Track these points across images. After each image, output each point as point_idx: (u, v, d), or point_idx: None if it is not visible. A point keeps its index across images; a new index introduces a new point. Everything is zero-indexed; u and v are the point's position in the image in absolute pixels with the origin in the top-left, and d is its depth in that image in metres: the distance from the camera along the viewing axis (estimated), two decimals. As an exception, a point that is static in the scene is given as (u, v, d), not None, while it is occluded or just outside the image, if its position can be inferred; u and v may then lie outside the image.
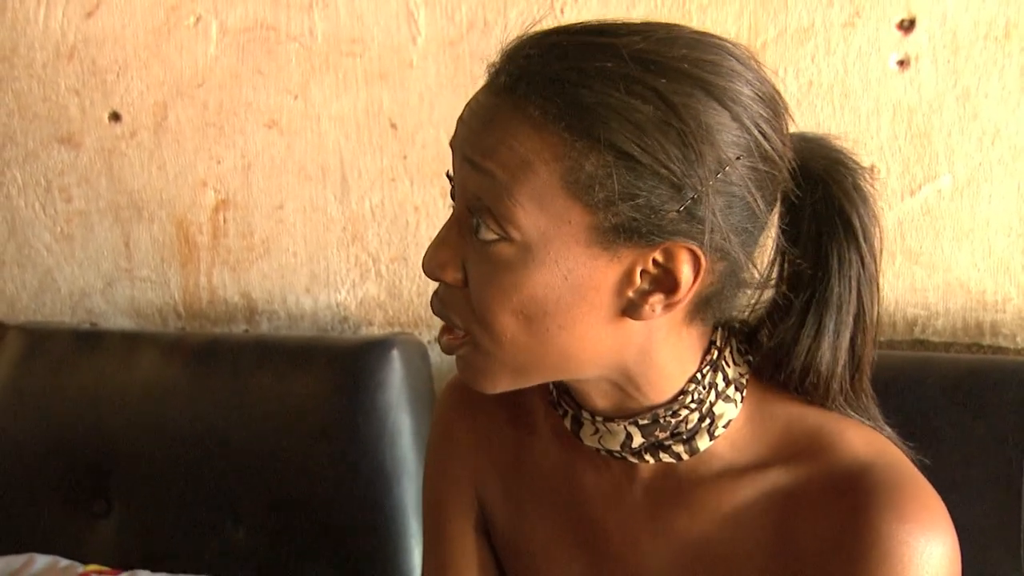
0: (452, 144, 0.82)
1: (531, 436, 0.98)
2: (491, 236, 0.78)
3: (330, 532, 1.66)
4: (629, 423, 0.86)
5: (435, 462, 1.06)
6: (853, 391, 0.88)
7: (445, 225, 0.83)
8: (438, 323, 1.92)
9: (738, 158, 0.77)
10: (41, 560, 1.76)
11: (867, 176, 0.86)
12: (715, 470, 0.87)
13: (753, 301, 0.89)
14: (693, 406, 0.85)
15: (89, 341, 1.92)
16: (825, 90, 1.52)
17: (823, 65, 1.52)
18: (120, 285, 2.05)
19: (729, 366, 0.87)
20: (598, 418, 0.88)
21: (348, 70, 1.80)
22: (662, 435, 0.86)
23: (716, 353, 0.86)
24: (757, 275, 0.86)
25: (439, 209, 1.78)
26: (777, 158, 0.80)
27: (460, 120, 0.81)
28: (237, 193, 1.92)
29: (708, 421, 0.86)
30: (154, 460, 1.78)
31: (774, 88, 0.81)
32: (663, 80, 0.74)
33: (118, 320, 2.07)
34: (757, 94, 0.78)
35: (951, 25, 1.46)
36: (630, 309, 0.80)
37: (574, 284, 0.78)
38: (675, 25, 0.80)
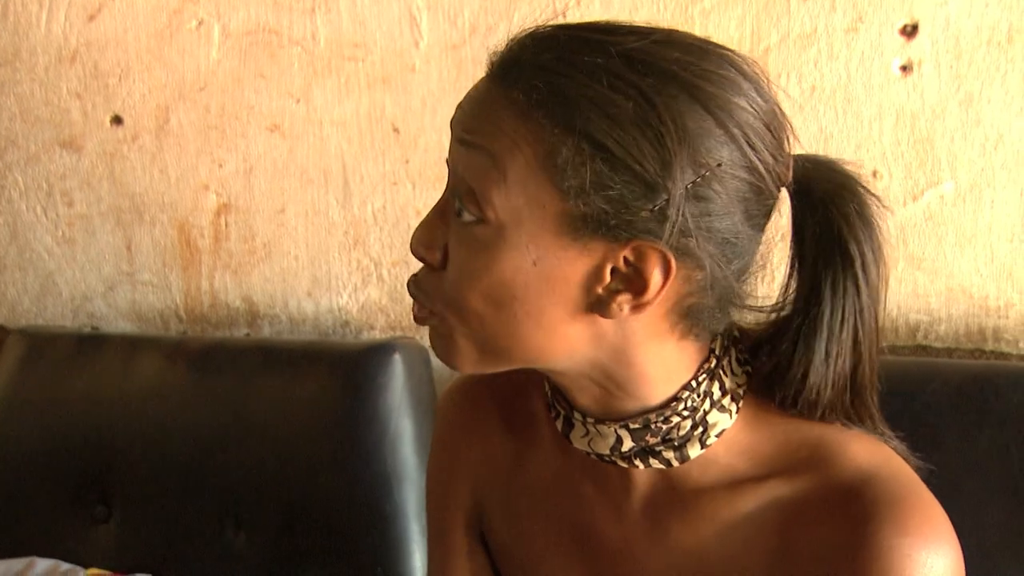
0: (451, 127, 0.84)
1: (531, 444, 0.98)
2: (470, 218, 0.79)
3: (331, 536, 1.66)
4: (620, 426, 0.85)
5: (436, 467, 1.06)
6: (856, 413, 0.87)
7: (433, 207, 0.85)
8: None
9: (719, 165, 0.76)
10: (42, 564, 1.76)
11: (876, 203, 0.84)
12: (713, 480, 0.87)
13: (759, 316, 0.88)
14: (686, 413, 0.85)
15: (90, 345, 1.92)
16: (828, 95, 1.52)
17: (826, 70, 1.52)
18: (121, 289, 2.05)
19: (727, 376, 0.86)
20: (589, 419, 0.87)
21: (350, 74, 1.80)
22: (652, 440, 0.85)
23: (715, 362, 0.85)
24: (759, 292, 0.86)
25: (441, 213, 1.77)
26: (765, 172, 0.78)
27: (459, 104, 0.84)
28: (239, 197, 1.92)
29: (700, 430, 0.85)
30: (155, 464, 1.78)
31: (776, 105, 0.80)
32: (648, 79, 0.75)
33: (119, 324, 2.07)
34: (751, 106, 0.78)
35: (954, 30, 1.46)
36: (598, 306, 0.79)
37: (543, 271, 0.78)
38: (680, 31, 0.80)
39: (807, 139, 1.26)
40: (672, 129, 0.74)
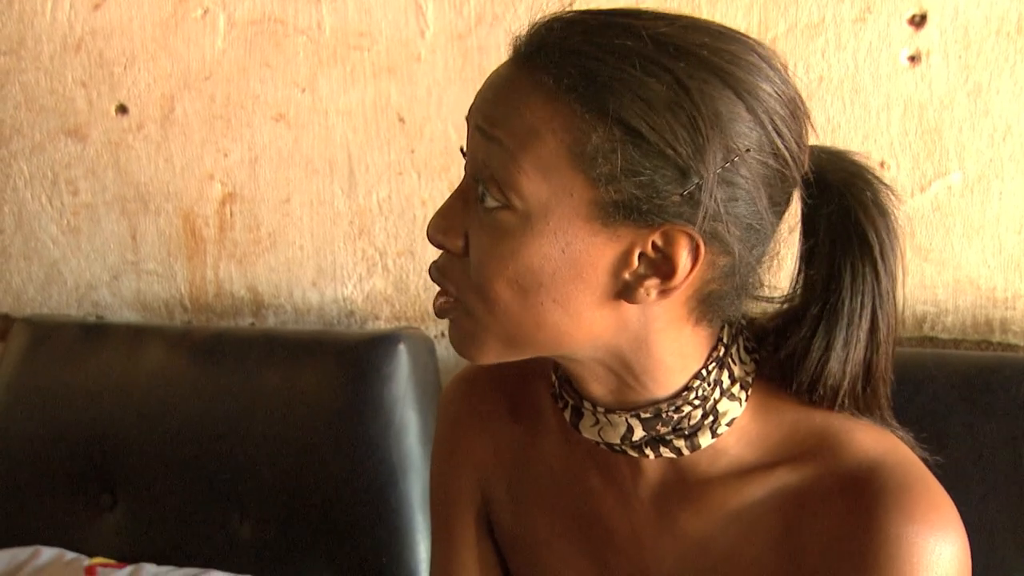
0: (467, 116, 0.83)
1: (537, 432, 0.98)
2: (494, 203, 0.78)
3: (336, 526, 1.66)
4: (631, 415, 0.85)
5: (441, 458, 1.06)
6: (865, 403, 0.87)
7: (452, 194, 0.83)
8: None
9: (747, 150, 0.76)
10: (47, 552, 1.77)
11: (890, 193, 0.86)
12: (721, 468, 0.87)
13: (767, 306, 0.88)
14: (697, 402, 0.85)
15: (95, 334, 1.92)
16: (835, 86, 1.52)
17: (833, 60, 1.52)
18: (126, 278, 2.05)
19: (735, 364, 0.86)
20: (599, 408, 0.87)
21: (356, 64, 1.80)
22: (664, 430, 0.85)
23: (723, 350, 0.85)
24: (765, 282, 0.85)
25: (446, 203, 1.77)
26: (790, 159, 0.79)
27: (478, 92, 0.82)
28: (244, 186, 1.92)
29: (711, 418, 0.85)
30: (159, 453, 1.78)
31: (796, 92, 0.80)
32: (680, 63, 0.74)
33: (124, 313, 2.07)
34: (776, 92, 0.78)
35: (962, 20, 1.45)
36: (625, 291, 0.79)
37: (571, 258, 0.77)
38: (701, 18, 0.80)
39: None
40: (705, 113, 0.74)
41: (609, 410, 0.86)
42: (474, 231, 0.80)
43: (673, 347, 0.83)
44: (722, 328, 0.86)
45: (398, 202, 1.81)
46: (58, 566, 1.73)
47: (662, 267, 0.78)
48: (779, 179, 0.79)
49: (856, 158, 0.87)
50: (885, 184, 0.86)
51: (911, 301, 1.53)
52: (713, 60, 0.75)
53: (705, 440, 0.85)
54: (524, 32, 0.80)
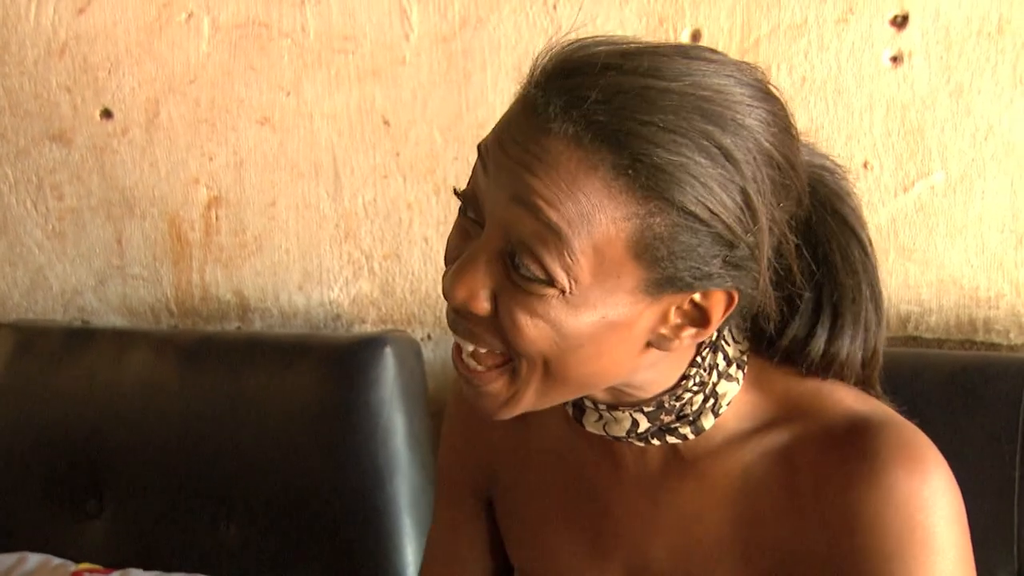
0: (482, 149, 0.80)
1: (542, 418, 0.99)
2: (531, 276, 0.76)
3: (323, 530, 1.66)
4: (634, 410, 0.87)
5: (451, 438, 1.09)
6: (866, 378, 0.91)
7: (470, 252, 0.80)
8: (430, 320, 1.91)
9: (780, 205, 0.79)
10: (33, 559, 1.76)
11: (848, 177, 0.90)
12: (718, 442, 0.89)
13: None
14: (696, 388, 0.86)
15: (81, 339, 1.91)
16: (818, 86, 1.52)
17: (816, 61, 1.52)
18: (112, 283, 2.05)
19: (729, 344, 0.88)
20: (601, 406, 0.89)
21: (341, 67, 1.80)
22: (668, 419, 0.87)
23: (715, 334, 0.87)
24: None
25: (432, 206, 1.77)
26: (797, 181, 0.82)
27: (501, 146, 0.78)
28: (229, 190, 1.92)
29: (712, 401, 0.87)
30: (146, 458, 1.78)
31: (784, 107, 0.82)
32: (727, 137, 0.75)
33: (110, 318, 2.07)
34: (781, 128, 0.80)
35: (944, 21, 1.46)
36: (659, 342, 0.81)
37: (612, 323, 0.78)
38: (703, 52, 0.79)
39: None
40: (755, 189, 0.76)
41: (612, 407, 0.88)
42: (506, 295, 0.78)
43: (674, 357, 0.85)
44: None
45: (384, 205, 1.81)
46: (44, 572, 1.73)
47: (697, 319, 0.81)
48: (795, 215, 0.83)
49: (817, 149, 0.90)
50: (844, 169, 0.90)
51: (895, 301, 1.53)
52: (754, 126, 0.76)
53: (708, 422, 0.87)
54: (544, 86, 0.76)
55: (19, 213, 2.08)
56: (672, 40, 1.54)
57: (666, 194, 0.74)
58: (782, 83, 1.51)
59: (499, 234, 0.78)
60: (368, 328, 1.88)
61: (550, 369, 0.80)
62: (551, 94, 0.76)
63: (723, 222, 0.75)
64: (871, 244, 0.89)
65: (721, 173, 0.75)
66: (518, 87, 0.81)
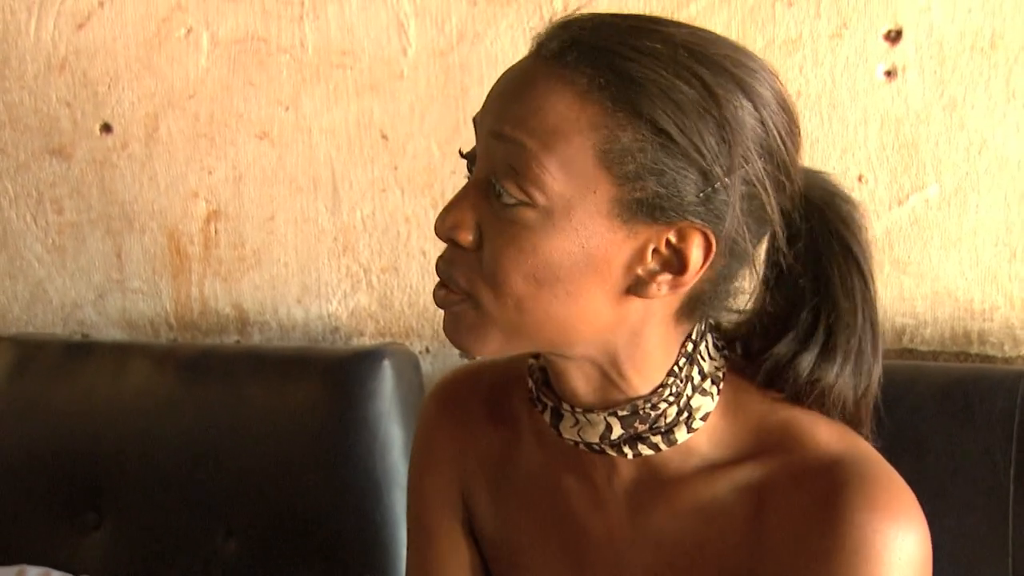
0: (476, 119, 0.84)
1: (515, 438, 0.99)
2: (513, 200, 0.79)
3: (321, 543, 1.66)
4: (609, 414, 0.87)
5: (420, 464, 1.07)
6: (856, 417, 0.90)
7: (461, 190, 0.84)
8: (429, 333, 1.92)
9: (760, 157, 0.80)
10: (32, 572, 1.76)
11: (861, 212, 0.90)
12: (692, 467, 0.89)
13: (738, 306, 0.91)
14: (671, 399, 0.87)
15: (80, 352, 1.92)
16: (813, 101, 1.53)
17: (811, 76, 1.53)
18: (111, 296, 2.05)
19: (704, 360, 0.89)
20: (578, 409, 0.89)
21: (339, 81, 1.81)
22: (641, 427, 0.87)
23: (691, 346, 0.88)
24: (747, 283, 0.88)
25: (430, 220, 1.78)
26: (790, 167, 0.83)
27: (490, 94, 0.83)
28: (228, 204, 1.92)
29: (686, 414, 0.87)
30: (145, 471, 1.78)
31: (793, 106, 0.85)
32: (708, 71, 0.78)
33: (109, 331, 2.07)
34: (780, 105, 0.83)
35: (937, 36, 1.47)
36: (637, 286, 0.82)
37: (589, 253, 0.79)
38: (714, 32, 0.84)
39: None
40: (730, 119, 0.78)
41: (587, 410, 0.88)
42: (489, 226, 0.81)
43: (658, 341, 0.86)
44: (692, 326, 0.89)
45: (382, 219, 1.82)
46: (44, 585, 1.73)
47: (674, 263, 0.81)
48: (777, 187, 0.83)
49: (832, 178, 0.91)
50: (856, 203, 0.90)
51: (890, 313, 1.54)
52: (735, 71, 0.80)
53: (681, 435, 0.87)
54: (547, 30, 0.82)
55: (19, 227, 2.09)
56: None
57: (636, 106, 0.76)
58: (777, 97, 1.53)
59: (482, 167, 0.82)
60: (366, 341, 1.88)
61: (523, 307, 0.81)
62: (544, 36, 0.82)
63: (696, 148, 0.77)
64: (873, 280, 0.89)
65: (699, 100, 0.77)
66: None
